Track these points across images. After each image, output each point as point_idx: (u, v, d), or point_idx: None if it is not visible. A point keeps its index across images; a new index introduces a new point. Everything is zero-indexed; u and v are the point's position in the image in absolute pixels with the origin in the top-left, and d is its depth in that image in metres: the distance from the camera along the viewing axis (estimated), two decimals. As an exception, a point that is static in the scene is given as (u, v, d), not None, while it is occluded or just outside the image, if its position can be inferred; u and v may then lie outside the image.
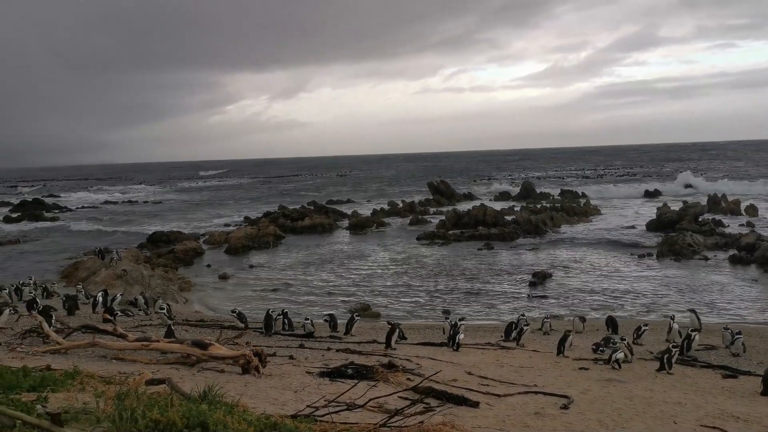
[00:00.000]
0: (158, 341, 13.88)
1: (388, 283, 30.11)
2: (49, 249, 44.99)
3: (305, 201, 77.53)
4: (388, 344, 16.27)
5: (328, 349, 16.06)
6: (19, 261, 40.15)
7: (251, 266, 36.00)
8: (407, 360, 14.74)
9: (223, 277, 32.37)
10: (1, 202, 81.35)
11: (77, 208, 76.36)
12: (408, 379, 12.83)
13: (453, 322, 17.48)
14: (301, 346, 16.46)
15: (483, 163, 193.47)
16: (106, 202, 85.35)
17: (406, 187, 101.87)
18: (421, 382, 12.32)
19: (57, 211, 70.91)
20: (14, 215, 64.76)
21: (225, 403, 9.34)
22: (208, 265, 36.43)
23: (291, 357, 14.71)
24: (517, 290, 27.83)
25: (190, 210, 75.29)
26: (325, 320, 19.83)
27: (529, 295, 26.74)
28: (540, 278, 29.16)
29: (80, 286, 25.99)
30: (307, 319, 18.86)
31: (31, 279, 27.19)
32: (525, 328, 17.19)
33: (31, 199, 76.51)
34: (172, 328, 15.56)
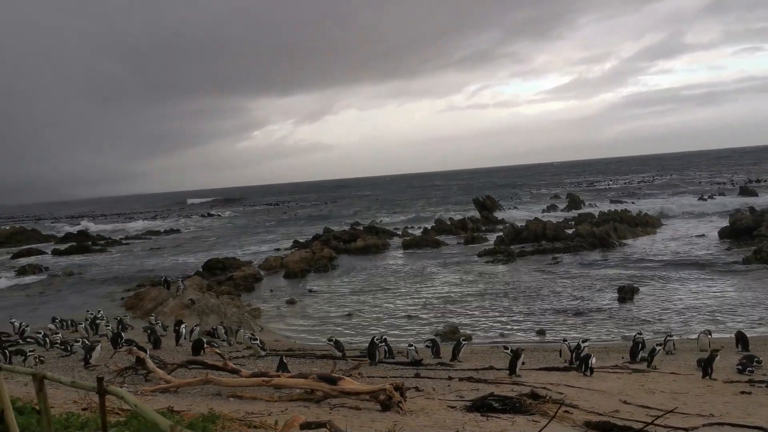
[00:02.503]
0: (279, 376, 12.73)
1: (466, 304, 28.68)
2: (103, 280, 44.52)
3: (343, 223, 76.75)
4: (512, 371, 14.89)
5: (450, 378, 14.74)
6: (74, 294, 39.69)
7: (311, 290, 34.88)
8: (544, 388, 13.35)
9: (291, 303, 31.30)
10: (45, 235, 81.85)
11: (121, 238, 76.42)
12: (566, 411, 11.44)
13: (576, 344, 16.05)
14: (418, 376, 15.18)
15: (517, 178, 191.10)
16: (149, 232, 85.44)
17: (446, 205, 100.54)
18: (583, 418, 11.01)
19: (102, 242, 70.95)
20: (62, 247, 64.88)
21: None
22: (271, 291, 35.44)
23: (417, 389, 13.40)
24: (608, 306, 26.20)
25: (233, 236, 74.85)
26: (427, 346, 18.51)
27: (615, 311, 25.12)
28: (627, 293, 27.50)
29: (153, 318, 25.15)
30: (410, 345, 17.62)
31: (100, 312, 26.41)
32: (657, 348, 15.67)
33: (76, 232, 76.83)
34: (284, 361, 14.34)
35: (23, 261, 56.17)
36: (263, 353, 18.01)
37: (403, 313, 27.83)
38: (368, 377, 15.19)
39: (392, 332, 24.48)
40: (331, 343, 17.97)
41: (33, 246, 67.10)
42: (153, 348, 19.19)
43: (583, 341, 16.07)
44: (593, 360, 14.77)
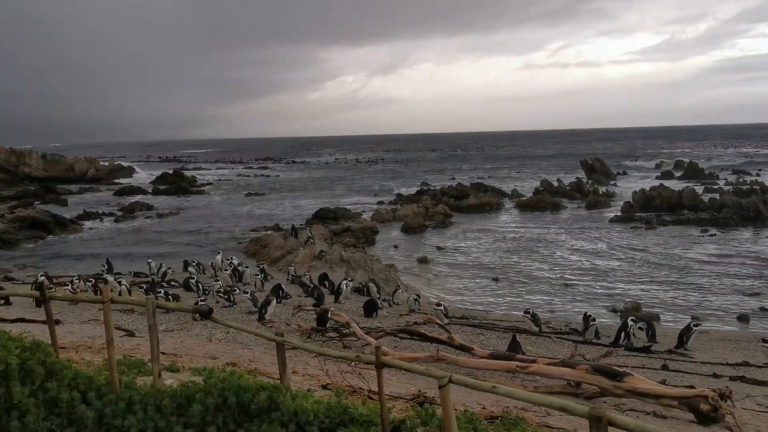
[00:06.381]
0: (534, 361, 10.25)
1: (624, 276, 25.61)
2: (211, 223, 43.53)
3: (433, 178, 74.05)
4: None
5: (715, 375, 11.96)
6: (186, 236, 38.74)
7: (439, 248, 32.50)
8: None
9: (423, 261, 29.01)
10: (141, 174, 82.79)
11: (216, 180, 76.18)
12: None
13: None
14: (665, 368, 12.45)
15: (606, 142, 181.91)
16: (240, 176, 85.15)
17: (538, 166, 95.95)
18: None
19: (198, 185, 70.80)
20: (162, 187, 64.99)
21: None
22: (395, 246, 33.28)
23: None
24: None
25: (325, 186, 73.29)
26: (641, 328, 15.63)
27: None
28: (825, 277, 23.71)
29: (293, 269, 23.33)
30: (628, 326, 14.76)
31: (233, 258, 24.85)
32: None
33: (172, 171, 76.98)
34: (517, 340, 11.83)
35: (129, 199, 56.27)
36: (446, 321, 15.66)
37: (556, 281, 25.06)
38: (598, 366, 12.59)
39: (556, 302, 21.92)
40: (528, 315, 15.41)
41: (134, 184, 67.57)
42: (316, 305, 17.15)
43: None
44: None
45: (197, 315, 9.76)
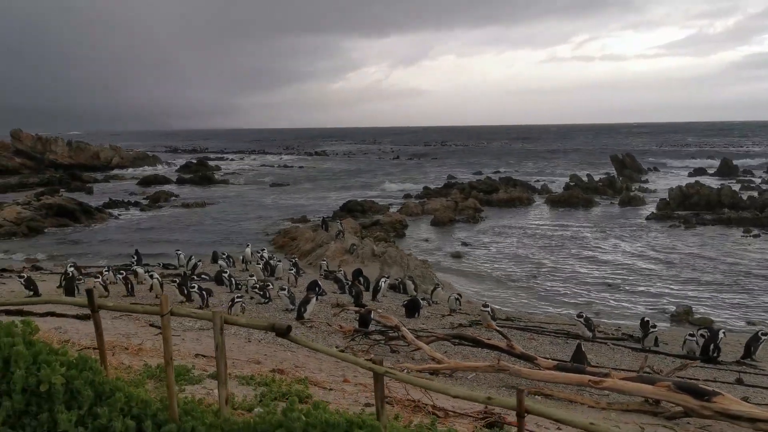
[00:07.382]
0: (608, 375, 9.36)
1: (670, 278, 24.48)
2: (237, 214, 43.06)
3: (459, 171, 72.91)
4: None
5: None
6: (212, 226, 38.25)
7: (470, 244, 31.55)
8: None
9: (456, 256, 28.17)
10: (165, 163, 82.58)
11: (240, 170, 75.76)
12: None
13: None
14: (740, 382, 11.51)
15: (632, 137, 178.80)
16: (263, 165, 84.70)
17: (571, 159, 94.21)
18: None
19: (222, 173, 70.45)
20: (186, 177, 64.71)
21: None
22: (426, 240, 32.44)
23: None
24: None
25: (350, 177, 72.48)
26: (702, 335, 14.63)
27: None
28: None
29: (325, 263, 22.61)
30: (692, 335, 13.79)
31: (264, 250, 24.21)
32: None
33: (195, 161, 76.76)
34: (582, 349, 10.91)
35: (154, 189, 56.00)
36: (493, 323, 14.78)
37: (595, 282, 24.03)
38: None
39: (597, 304, 20.94)
40: (581, 319, 14.47)
41: (159, 173, 67.40)
42: (354, 304, 16.38)
43: None
44: None
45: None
